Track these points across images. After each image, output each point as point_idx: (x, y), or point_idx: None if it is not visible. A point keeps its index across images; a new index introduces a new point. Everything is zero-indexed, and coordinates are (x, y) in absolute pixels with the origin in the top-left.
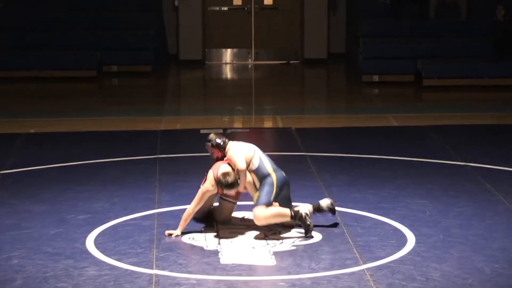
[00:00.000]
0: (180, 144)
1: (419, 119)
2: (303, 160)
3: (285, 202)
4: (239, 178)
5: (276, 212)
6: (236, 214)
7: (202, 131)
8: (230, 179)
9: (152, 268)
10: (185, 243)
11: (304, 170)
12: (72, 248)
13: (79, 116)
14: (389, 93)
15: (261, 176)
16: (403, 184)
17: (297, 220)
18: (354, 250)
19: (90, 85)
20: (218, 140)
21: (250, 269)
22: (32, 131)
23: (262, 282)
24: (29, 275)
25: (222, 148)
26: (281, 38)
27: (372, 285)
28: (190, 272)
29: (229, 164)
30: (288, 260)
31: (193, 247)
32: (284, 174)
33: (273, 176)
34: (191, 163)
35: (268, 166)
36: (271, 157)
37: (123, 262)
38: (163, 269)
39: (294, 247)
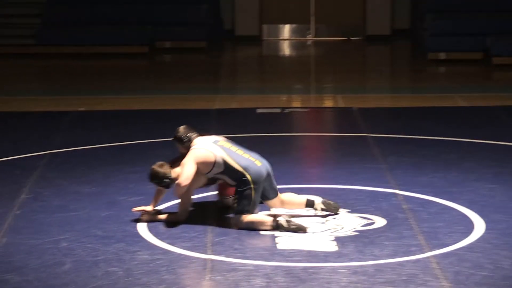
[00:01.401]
0: (235, 124)
1: (488, 99)
2: (365, 141)
3: (270, 192)
4: (172, 183)
5: (255, 220)
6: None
7: (258, 111)
8: (160, 174)
9: (206, 253)
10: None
11: (366, 152)
12: (123, 231)
13: (129, 94)
14: (456, 71)
15: (234, 176)
16: (471, 167)
17: (281, 230)
18: (419, 236)
19: (142, 62)
20: (181, 135)
21: (309, 255)
22: (81, 109)
23: (322, 269)
24: (79, 259)
25: (184, 144)
26: (342, 13)
27: (438, 273)
28: (246, 258)
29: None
30: (350, 246)
31: (249, 231)
32: (259, 163)
33: (247, 176)
34: (246, 144)
35: (238, 163)
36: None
37: (176, 246)
38: (219, 254)
39: (356, 233)
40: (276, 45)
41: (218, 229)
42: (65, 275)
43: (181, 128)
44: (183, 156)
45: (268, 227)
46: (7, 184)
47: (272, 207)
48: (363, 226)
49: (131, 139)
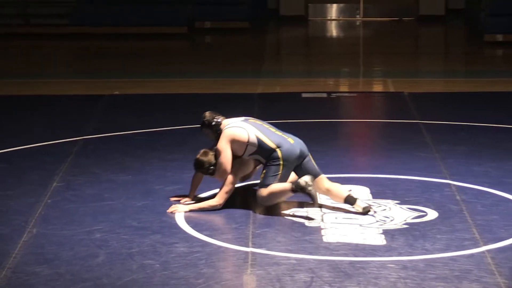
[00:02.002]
0: (279, 109)
1: None
2: (416, 128)
3: (306, 174)
4: (214, 167)
5: (275, 190)
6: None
7: (303, 95)
8: (205, 164)
9: (248, 246)
10: (284, 219)
11: (417, 139)
12: (160, 222)
13: (167, 77)
14: None
15: (265, 155)
16: None
17: (300, 191)
18: (473, 229)
19: (180, 43)
20: (209, 119)
21: (356, 249)
22: (116, 92)
23: (369, 264)
24: (113, 250)
25: (213, 128)
26: None
27: (493, 268)
28: (289, 251)
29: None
30: (399, 240)
31: (293, 223)
32: (292, 141)
33: (278, 151)
34: (292, 130)
35: (271, 140)
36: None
37: (215, 239)
38: (260, 247)
39: (406, 226)
40: (322, 25)
41: (260, 220)
42: (99, 268)
43: (207, 113)
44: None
45: (289, 193)
46: (38, 172)
47: None
48: (413, 218)
49: (169, 124)
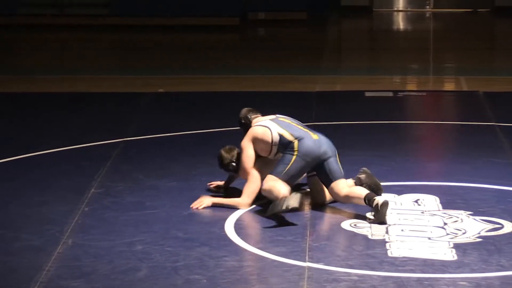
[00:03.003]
0: (339, 109)
1: None
2: (492, 131)
3: (327, 177)
4: (236, 165)
5: (272, 187)
6: (409, 197)
7: (367, 94)
8: (225, 160)
9: (304, 260)
10: (345, 231)
11: (493, 143)
12: (208, 233)
13: (217, 73)
14: None
15: (283, 149)
16: None
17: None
18: None
19: (232, 36)
20: (241, 116)
21: (424, 265)
22: (160, 90)
23: (439, 281)
24: (156, 264)
25: (243, 126)
26: None
27: None
28: (350, 266)
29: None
30: (472, 255)
31: (354, 235)
32: (316, 137)
33: (295, 143)
34: (352, 132)
35: (290, 133)
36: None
37: (269, 252)
38: (318, 261)
39: (480, 239)
40: (388, 17)
41: (318, 232)
42: (140, 283)
43: (243, 110)
44: None
45: (280, 197)
46: (74, 177)
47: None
48: (488, 231)
49: (218, 125)
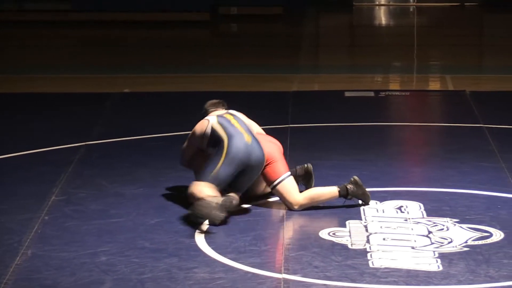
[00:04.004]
0: (317, 110)
1: None
2: (480, 133)
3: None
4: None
5: (194, 190)
6: (392, 203)
7: (347, 94)
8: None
9: (280, 272)
10: (323, 240)
11: (481, 146)
12: (176, 243)
13: (186, 72)
14: None
15: (214, 144)
16: None
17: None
18: None
19: (202, 32)
20: (203, 108)
21: (408, 276)
22: (126, 90)
23: None
24: (121, 276)
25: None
26: None
27: None
28: (329, 278)
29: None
30: (459, 265)
31: (333, 245)
32: (249, 140)
33: (225, 141)
34: (331, 135)
35: (225, 131)
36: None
37: (241, 263)
38: (294, 273)
39: (467, 248)
40: (369, 12)
41: (294, 242)
42: None
43: (208, 102)
44: None
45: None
46: (34, 184)
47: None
48: (475, 240)
49: (188, 128)
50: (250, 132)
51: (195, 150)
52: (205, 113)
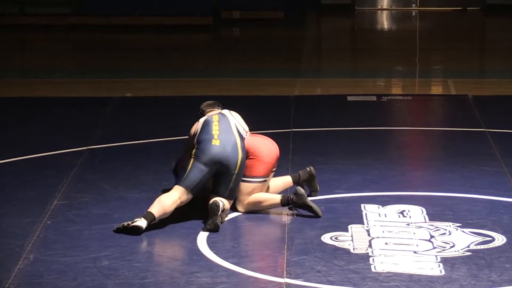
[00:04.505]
0: (319, 114)
1: None
2: (483, 137)
3: (218, 187)
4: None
5: (161, 199)
6: (394, 208)
7: (349, 98)
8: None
9: (282, 276)
10: (325, 244)
11: (483, 151)
12: (179, 247)
13: (188, 76)
14: None
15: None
16: None
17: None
18: None
19: (204, 36)
20: (199, 109)
21: (410, 280)
22: (128, 94)
23: None
24: (123, 280)
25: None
26: None
27: None
28: (331, 282)
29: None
30: (461, 270)
31: (336, 249)
32: (217, 143)
33: (194, 148)
34: (333, 140)
35: (200, 133)
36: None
37: (244, 267)
38: (297, 277)
39: (469, 253)
40: (372, 16)
41: (296, 246)
42: None
43: (204, 103)
44: None
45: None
46: (36, 188)
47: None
48: (478, 244)
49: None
50: (228, 130)
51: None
52: (201, 114)
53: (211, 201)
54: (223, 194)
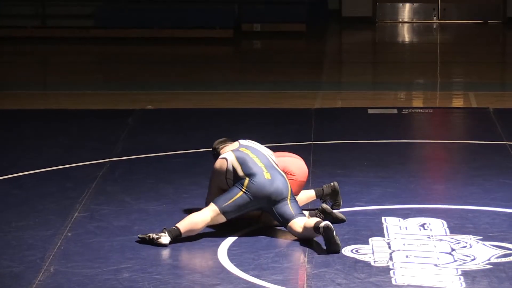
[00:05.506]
0: (340, 127)
1: None
2: (504, 151)
3: (274, 215)
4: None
5: (193, 218)
6: (415, 221)
7: (370, 111)
8: (214, 145)
9: None
10: (346, 257)
11: (504, 164)
12: (199, 260)
13: (210, 88)
14: None
15: (235, 182)
16: None
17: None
18: None
19: (225, 49)
20: (212, 147)
21: None
22: (149, 106)
23: None
24: None
25: (214, 159)
26: None
27: None
28: None
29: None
30: (482, 283)
31: (356, 262)
32: (268, 176)
33: (246, 180)
34: (354, 152)
35: (242, 169)
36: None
37: (264, 280)
38: None
39: (490, 266)
40: (392, 29)
41: (317, 259)
42: None
43: (215, 142)
44: None
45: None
46: (57, 200)
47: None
48: (498, 257)
49: (211, 145)
50: (268, 162)
51: (219, 190)
52: (216, 153)
53: (322, 225)
54: (298, 214)
